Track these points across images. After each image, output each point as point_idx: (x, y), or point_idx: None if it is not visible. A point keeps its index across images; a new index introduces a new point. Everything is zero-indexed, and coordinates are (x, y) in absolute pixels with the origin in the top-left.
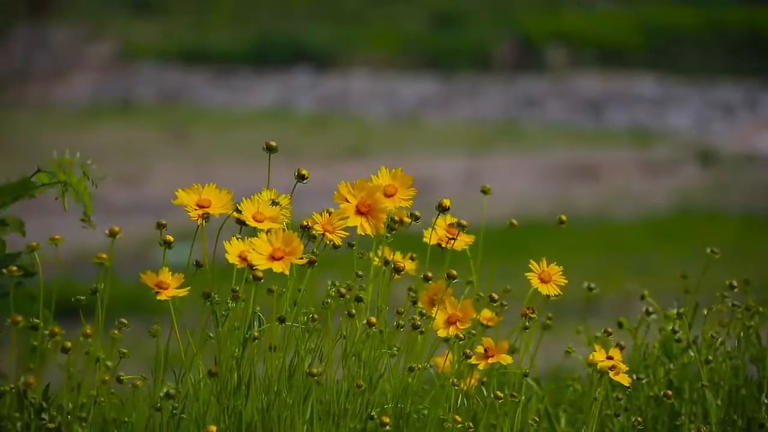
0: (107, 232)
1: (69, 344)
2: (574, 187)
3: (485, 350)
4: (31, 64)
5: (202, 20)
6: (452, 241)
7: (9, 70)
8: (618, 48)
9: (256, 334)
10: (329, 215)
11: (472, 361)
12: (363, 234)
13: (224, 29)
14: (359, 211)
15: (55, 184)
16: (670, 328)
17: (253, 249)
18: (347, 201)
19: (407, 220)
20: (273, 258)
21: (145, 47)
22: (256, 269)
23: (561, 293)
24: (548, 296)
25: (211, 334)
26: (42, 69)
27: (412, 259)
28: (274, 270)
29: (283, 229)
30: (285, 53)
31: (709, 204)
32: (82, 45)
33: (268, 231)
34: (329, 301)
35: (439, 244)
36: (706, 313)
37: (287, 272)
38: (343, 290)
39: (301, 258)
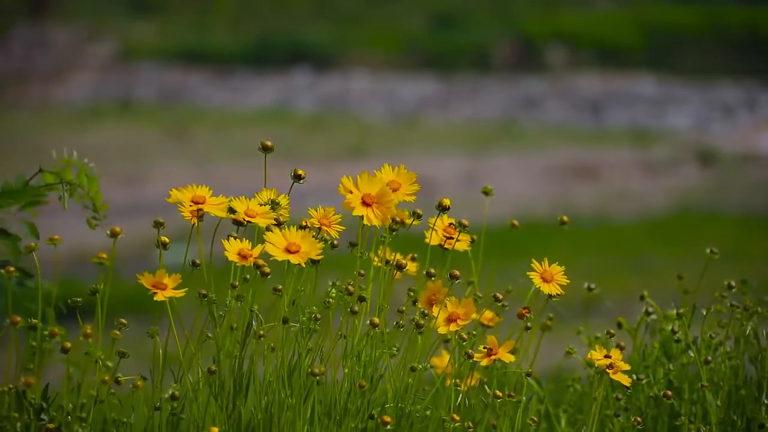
0: (108, 232)
1: (69, 344)
2: (574, 187)
3: (488, 348)
4: (30, 64)
5: (202, 20)
6: (453, 242)
7: (9, 70)
8: (618, 48)
9: (261, 332)
10: (324, 210)
11: (475, 357)
12: (369, 225)
13: (224, 29)
14: (365, 203)
15: (58, 185)
16: (670, 328)
17: (269, 242)
18: (351, 192)
19: (408, 220)
20: (288, 251)
21: (145, 47)
22: (264, 266)
23: (563, 293)
24: (550, 297)
25: (210, 335)
26: (42, 69)
27: (413, 259)
28: (292, 262)
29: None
30: (285, 53)
31: (709, 204)
32: (81, 45)
33: (282, 226)
34: (331, 300)
35: (441, 245)
36: (705, 313)
37: (303, 264)
38: (351, 288)
39: (319, 255)
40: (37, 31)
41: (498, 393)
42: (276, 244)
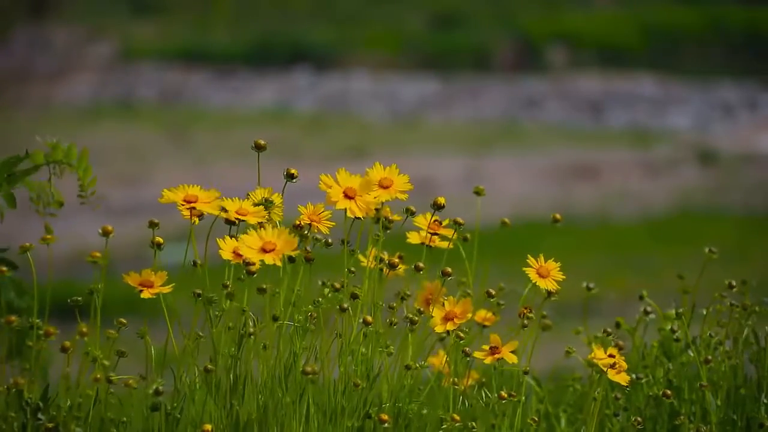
0: (100, 231)
1: (68, 344)
2: (574, 187)
3: (491, 347)
4: (31, 65)
5: (202, 20)
6: (435, 240)
7: (9, 70)
8: (618, 48)
9: (252, 330)
10: (314, 206)
11: (478, 356)
12: (353, 217)
13: (224, 29)
14: (347, 196)
15: (45, 165)
16: (669, 328)
17: (245, 244)
18: (331, 187)
19: (394, 217)
20: (264, 251)
21: (145, 47)
22: (250, 264)
23: (559, 288)
24: (548, 295)
25: (201, 333)
26: (42, 69)
27: (400, 258)
28: (266, 262)
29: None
30: (285, 53)
31: (709, 204)
32: (82, 45)
33: (259, 225)
34: (321, 299)
35: (423, 243)
36: (704, 313)
37: (279, 263)
38: (337, 285)
39: (295, 250)
40: (37, 31)
41: (503, 394)
42: (251, 246)
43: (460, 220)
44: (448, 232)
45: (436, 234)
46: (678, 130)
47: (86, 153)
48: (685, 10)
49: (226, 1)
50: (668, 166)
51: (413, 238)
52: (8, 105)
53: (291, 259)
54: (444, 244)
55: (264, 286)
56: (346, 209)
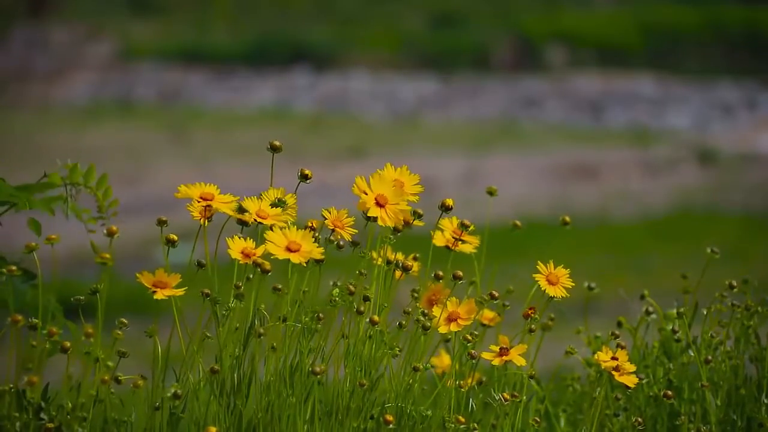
0: (105, 231)
1: (68, 344)
2: (574, 187)
3: (501, 348)
4: (30, 64)
5: (202, 20)
6: (460, 243)
7: (9, 70)
8: (618, 48)
9: (261, 330)
10: (338, 212)
11: (486, 357)
12: (383, 225)
13: (224, 29)
14: (378, 203)
15: (62, 188)
16: (670, 328)
17: (270, 241)
18: (366, 193)
19: (410, 218)
20: (289, 250)
21: (145, 47)
22: (263, 263)
23: (569, 296)
24: (551, 297)
25: (209, 334)
26: (42, 69)
27: (415, 259)
28: (293, 261)
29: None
30: (285, 53)
31: (709, 204)
32: (82, 45)
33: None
34: (336, 299)
35: (447, 246)
36: (705, 313)
37: (304, 264)
38: (353, 288)
39: (320, 255)
40: (37, 31)
41: (506, 396)
42: (277, 243)
43: (468, 222)
44: (472, 239)
45: (459, 239)
46: (678, 130)
47: (106, 177)
48: (685, 9)
49: (226, 1)
50: (668, 166)
51: (438, 240)
52: (7, 105)
53: (318, 261)
54: (469, 248)
55: (279, 286)
56: (376, 217)
